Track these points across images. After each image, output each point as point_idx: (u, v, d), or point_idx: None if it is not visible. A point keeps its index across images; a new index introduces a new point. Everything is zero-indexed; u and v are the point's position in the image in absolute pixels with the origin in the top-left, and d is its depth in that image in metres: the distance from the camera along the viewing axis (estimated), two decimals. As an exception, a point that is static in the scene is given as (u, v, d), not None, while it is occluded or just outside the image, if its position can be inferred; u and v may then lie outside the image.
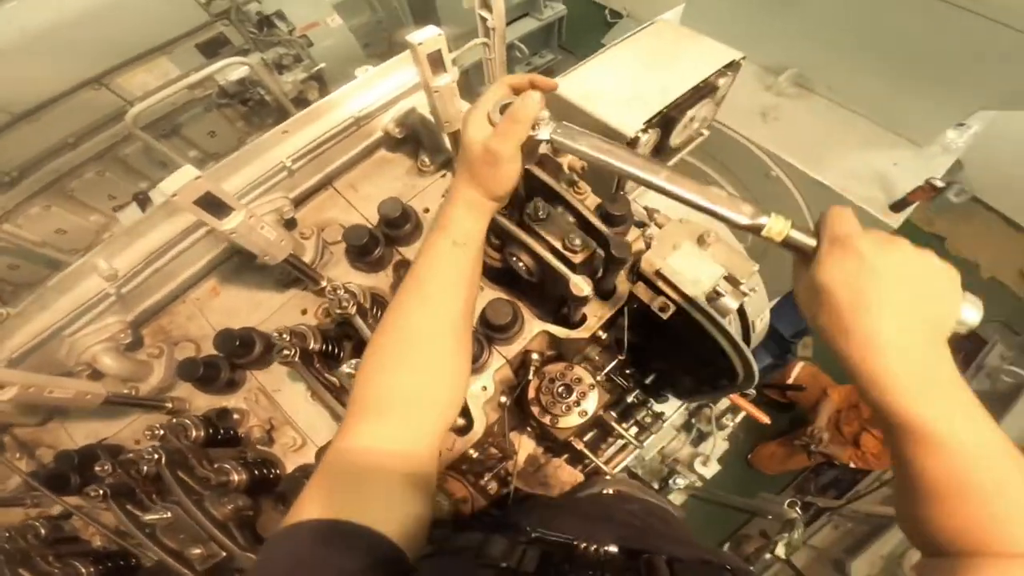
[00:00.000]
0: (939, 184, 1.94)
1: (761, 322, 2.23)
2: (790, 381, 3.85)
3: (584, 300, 1.03)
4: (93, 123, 3.35)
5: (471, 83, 2.04)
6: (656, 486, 2.65)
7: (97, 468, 1.14)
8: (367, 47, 3.86)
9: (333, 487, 0.65)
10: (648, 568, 0.66)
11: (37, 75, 3.00)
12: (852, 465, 3.69)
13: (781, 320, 4.18)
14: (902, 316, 0.57)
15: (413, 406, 0.75)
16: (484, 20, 2.23)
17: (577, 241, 0.99)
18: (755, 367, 1.31)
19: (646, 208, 1.73)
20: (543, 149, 1.31)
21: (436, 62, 1.09)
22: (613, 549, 0.71)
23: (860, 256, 0.58)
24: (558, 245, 1.00)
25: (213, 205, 0.89)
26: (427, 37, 1.02)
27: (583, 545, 0.71)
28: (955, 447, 0.56)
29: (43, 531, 1.23)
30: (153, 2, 3.11)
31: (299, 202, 1.38)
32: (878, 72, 2.08)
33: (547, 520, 0.89)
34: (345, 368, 1.02)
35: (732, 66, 1.50)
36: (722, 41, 2.34)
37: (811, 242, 0.65)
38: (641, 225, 1.72)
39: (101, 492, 1.13)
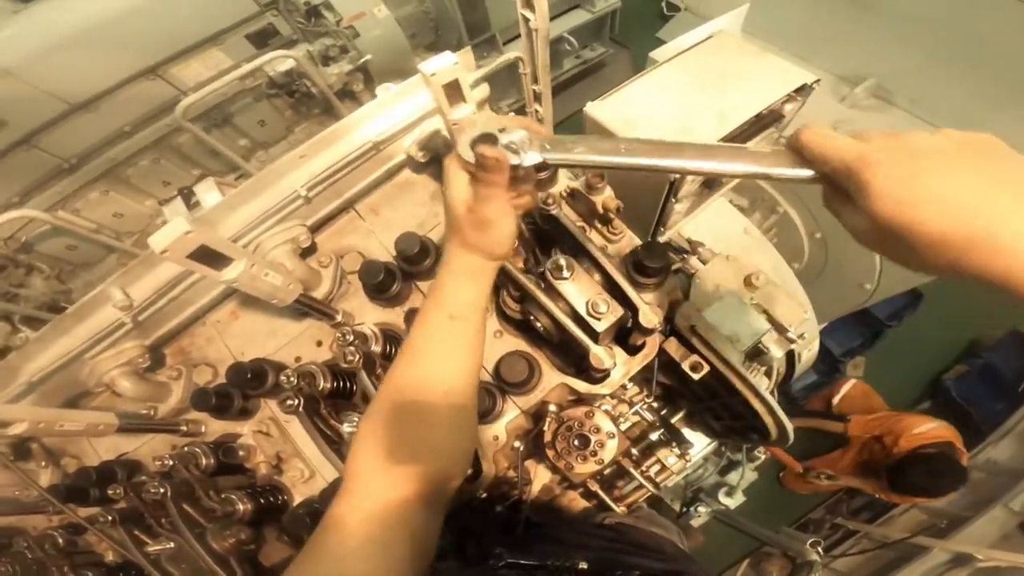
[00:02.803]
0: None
1: (808, 353, 2.06)
2: (837, 399, 3.67)
3: (605, 371, 0.94)
4: (148, 112, 3.46)
5: (515, 78, 1.89)
6: (677, 507, 2.55)
7: (110, 491, 1.15)
8: (414, 37, 3.79)
9: (325, 554, 0.66)
10: None
11: (95, 66, 3.11)
12: (878, 496, 3.50)
13: (832, 337, 3.94)
14: (996, 185, 0.45)
15: (402, 480, 0.71)
16: (527, 20, 2.10)
17: (602, 307, 0.89)
18: (790, 430, 1.20)
19: (690, 240, 1.60)
20: (568, 181, 1.21)
21: (454, 92, 0.98)
22: (583, 566, 0.74)
23: (901, 162, 0.48)
24: (581, 309, 0.90)
25: (210, 257, 0.84)
26: (442, 67, 0.91)
27: (554, 565, 0.74)
28: None
29: (60, 541, 1.25)
30: (205, -7, 3.14)
31: (319, 227, 1.34)
32: (971, 86, 1.83)
33: (528, 547, 0.90)
34: (346, 427, 0.97)
35: (803, 90, 1.32)
36: (792, 46, 2.13)
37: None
38: (683, 252, 1.60)
39: (110, 518, 1.14)
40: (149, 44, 3.23)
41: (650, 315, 0.88)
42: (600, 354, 0.88)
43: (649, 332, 0.92)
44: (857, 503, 4.07)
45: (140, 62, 3.24)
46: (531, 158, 0.63)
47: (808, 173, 0.56)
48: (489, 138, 0.65)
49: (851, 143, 0.52)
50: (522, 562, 0.79)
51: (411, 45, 3.74)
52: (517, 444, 1.26)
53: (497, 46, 4.11)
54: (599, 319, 0.89)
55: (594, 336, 0.91)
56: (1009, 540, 3.11)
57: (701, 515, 2.46)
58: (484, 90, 1.45)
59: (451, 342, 0.75)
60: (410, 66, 3.80)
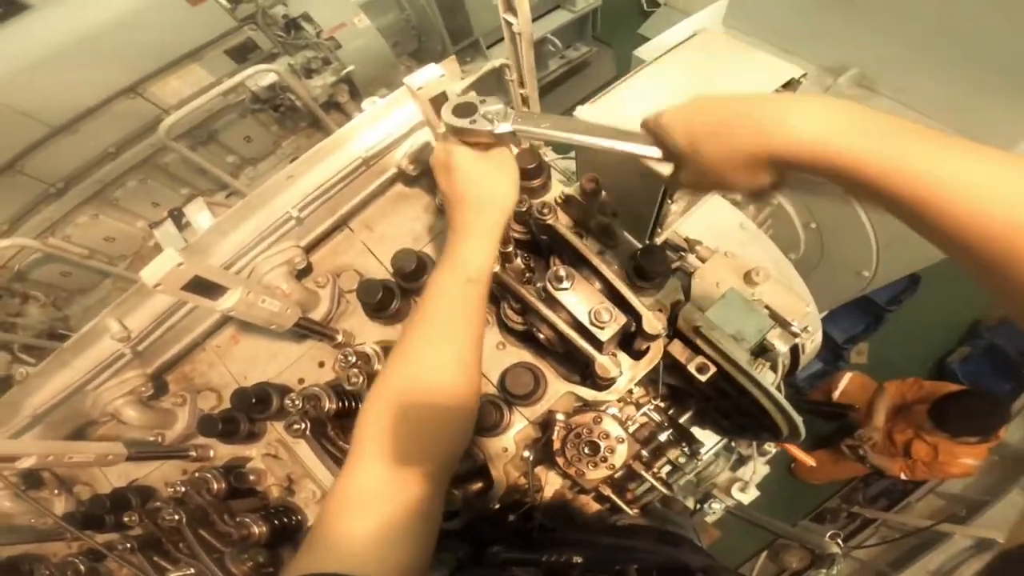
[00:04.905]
0: None
1: (812, 344, 2.06)
2: (837, 394, 3.61)
3: (611, 379, 0.94)
4: (132, 132, 3.42)
5: (502, 79, 1.91)
6: (692, 504, 2.54)
7: (126, 518, 1.16)
8: (396, 46, 3.77)
9: (327, 537, 0.64)
10: None
11: (71, 86, 3.06)
12: (903, 477, 3.45)
13: (834, 324, 3.95)
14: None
15: (415, 445, 0.72)
16: (509, 25, 2.09)
17: (605, 316, 0.88)
18: (801, 427, 1.19)
19: (687, 239, 1.59)
20: (562, 187, 1.20)
21: (441, 104, 0.98)
22: (578, 559, 0.75)
23: (688, 109, 0.67)
24: (584, 319, 0.90)
25: (205, 287, 0.83)
26: (427, 80, 0.91)
27: (551, 559, 0.75)
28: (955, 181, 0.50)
29: (82, 568, 1.26)
30: (179, 9, 3.11)
31: (313, 246, 1.32)
32: (954, 72, 1.84)
33: (529, 545, 0.94)
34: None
35: (790, 85, 1.32)
36: (773, 38, 2.13)
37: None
38: (680, 251, 1.60)
39: (129, 546, 1.15)
40: (126, 62, 3.18)
41: (654, 321, 0.87)
42: (606, 363, 0.88)
43: (653, 338, 0.92)
44: (873, 491, 4.05)
45: (118, 81, 3.19)
46: (504, 127, 0.73)
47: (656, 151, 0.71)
48: (470, 107, 0.73)
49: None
50: (517, 556, 0.80)
51: (394, 53, 3.72)
52: (527, 454, 1.25)
53: (481, 50, 4.10)
54: (602, 328, 0.88)
55: (598, 345, 0.90)
56: (1032, 524, 3.12)
57: (715, 511, 2.44)
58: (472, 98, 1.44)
59: (466, 305, 0.77)
60: (395, 74, 3.77)
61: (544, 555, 0.77)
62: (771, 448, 2.22)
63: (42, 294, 3.46)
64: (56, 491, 1.34)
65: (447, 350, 0.76)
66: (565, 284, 0.91)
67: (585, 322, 0.89)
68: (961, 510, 3.41)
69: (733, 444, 2.37)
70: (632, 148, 0.72)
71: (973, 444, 3.09)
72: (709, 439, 1.79)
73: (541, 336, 0.97)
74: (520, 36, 2.05)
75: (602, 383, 1.02)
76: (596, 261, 0.92)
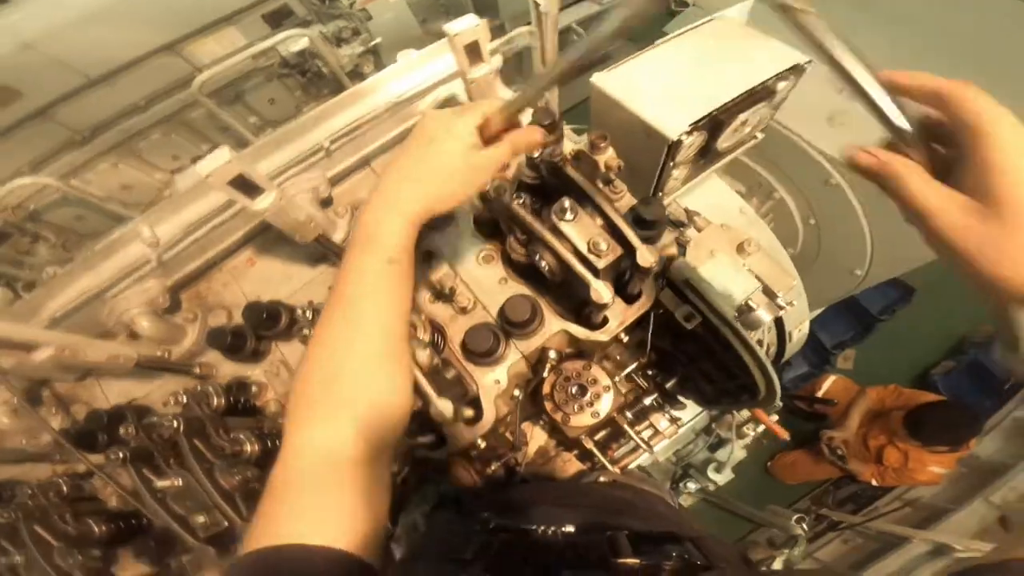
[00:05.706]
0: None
1: (799, 333, 2.13)
2: (820, 394, 3.70)
3: (604, 306, 1.01)
4: (163, 87, 3.52)
5: (523, 66, 2.01)
6: (667, 486, 2.62)
7: (121, 431, 1.19)
8: (424, 23, 3.87)
9: (277, 509, 0.64)
10: (611, 544, 0.68)
11: (114, 41, 3.15)
12: (874, 482, 3.55)
13: (824, 329, 4.02)
14: None
15: (345, 408, 0.72)
16: (537, 5, 2.17)
17: (602, 245, 0.96)
18: (778, 387, 1.26)
19: (686, 209, 1.67)
20: (572, 144, 1.28)
21: (474, 52, 1.07)
22: (570, 529, 0.75)
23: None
24: (583, 248, 0.98)
25: (246, 186, 0.91)
26: (464, 27, 1.00)
27: (541, 529, 0.75)
28: None
29: (64, 488, 1.27)
30: (222, -27, 3.18)
31: (337, 181, 1.40)
32: (970, 77, 1.91)
33: (517, 508, 0.92)
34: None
35: (795, 70, 1.40)
36: (792, 39, 2.19)
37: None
38: (680, 226, 1.67)
39: (121, 455, 1.16)
40: (169, 20, 3.27)
41: (647, 254, 0.94)
42: (600, 288, 0.95)
43: (646, 272, 0.99)
44: (842, 494, 4.15)
45: (159, 38, 3.30)
46: None
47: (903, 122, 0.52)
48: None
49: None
50: (507, 524, 0.80)
51: (422, 30, 3.81)
52: (517, 393, 1.33)
53: (505, 34, 4.19)
54: (599, 256, 0.96)
55: (595, 273, 0.98)
56: (988, 533, 3.19)
57: (690, 491, 2.52)
58: (498, 61, 1.52)
59: (388, 286, 0.77)
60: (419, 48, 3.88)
61: (534, 524, 0.78)
62: (750, 431, 2.30)
63: (53, 235, 3.54)
64: (54, 410, 1.36)
65: (370, 333, 0.75)
66: (569, 216, 0.99)
67: (584, 251, 0.97)
68: (923, 516, 3.50)
69: (713, 426, 2.46)
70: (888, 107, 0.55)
71: (942, 453, 3.19)
72: (691, 411, 1.86)
73: (543, 264, 1.04)
74: (546, 16, 2.14)
75: (596, 318, 1.10)
76: (598, 197, 1.00)
